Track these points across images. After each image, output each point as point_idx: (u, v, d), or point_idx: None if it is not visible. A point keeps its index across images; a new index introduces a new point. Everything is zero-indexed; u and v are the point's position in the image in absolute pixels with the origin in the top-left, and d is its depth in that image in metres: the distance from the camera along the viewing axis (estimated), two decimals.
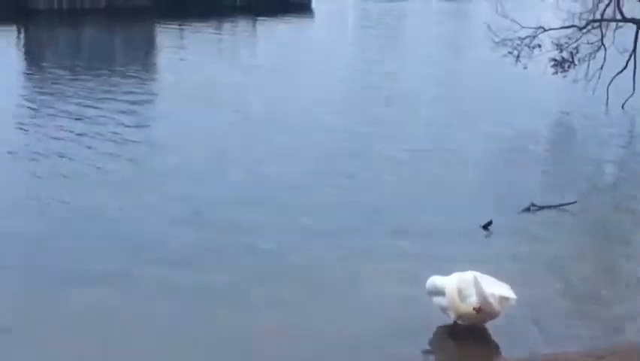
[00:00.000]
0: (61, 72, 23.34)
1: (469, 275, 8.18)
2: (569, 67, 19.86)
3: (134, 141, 15.58)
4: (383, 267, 9.88)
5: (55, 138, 15.74)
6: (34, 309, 8.71)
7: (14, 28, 32.24)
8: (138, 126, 17.13)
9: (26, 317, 8.51)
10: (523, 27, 19.71)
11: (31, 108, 18.77)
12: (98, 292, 9.02)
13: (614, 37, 19.86)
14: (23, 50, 29.73)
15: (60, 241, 10.66)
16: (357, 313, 8.73)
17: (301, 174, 13.61)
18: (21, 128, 16.70)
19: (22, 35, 31.97)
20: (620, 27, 20.26)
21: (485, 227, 11.29)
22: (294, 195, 12.49)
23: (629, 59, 19.61)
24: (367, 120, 17.62)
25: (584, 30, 19.80)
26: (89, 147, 15.08)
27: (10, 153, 14.78)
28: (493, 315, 8.15)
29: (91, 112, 18.07)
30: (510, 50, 19.64)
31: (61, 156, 14.50)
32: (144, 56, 27.62)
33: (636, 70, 19.56)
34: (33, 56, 27.93)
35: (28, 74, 24.33)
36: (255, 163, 14.14)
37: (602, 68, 19.26)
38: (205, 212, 11.68)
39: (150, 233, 10.91)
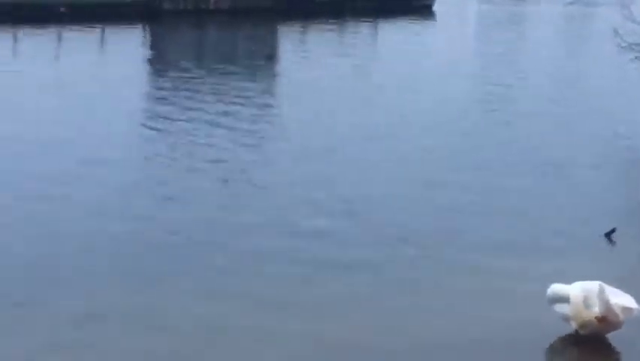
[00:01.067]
0: (185, 70, 23.78)
1: (594, 284, 8.07)
2: None
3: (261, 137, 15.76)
4: (504, 272, 9.80)
5: (187, 133, 16.10)
6: None
7: (141, 27, 32.97)
8: (261, 122, 17.28)
9: None
10: None
11: (157, 105, 19.19)
12: None
13: None
14: (149, 48, 30.38)
15: None
16: (475, 322, 8.68)
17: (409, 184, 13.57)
18: (147, 127, 17.06)
19: (148, 34, 32.71)
20: None
21: (608, 235, 11.05)
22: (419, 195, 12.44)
23: None
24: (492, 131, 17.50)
25: None
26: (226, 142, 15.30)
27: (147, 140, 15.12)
28: (615, 325, 8.01)
29: (214, 107, 18.37)
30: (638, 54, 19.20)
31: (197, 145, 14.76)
32: (266, 55, 27.87)
33: None
34: (159, 54, 28.56)
35: (153, 71, 24.86)
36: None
37: None
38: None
39: None
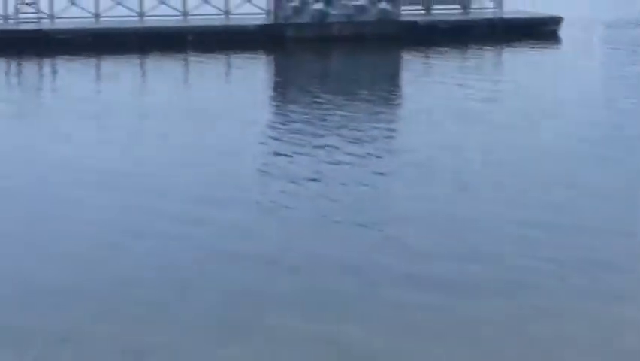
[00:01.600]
0: (309, 97, 23.95)
1: None
2: None
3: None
4: None
5: (313, 159, 16.10)
6: None
7: (264, 54, 33.43)
8: (389, 151, 17.20)
9: None
10: None
11: (283, 132, 19.31)
12: None
13: None
14: (273, 75, 30.80)
15: None
16: None
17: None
18: (278, 153, 17.17)
19: (272, 61, 33.15)
20: None
21: None
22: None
23: None
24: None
25: None
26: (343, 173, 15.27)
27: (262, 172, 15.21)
28: None
29: (341, 134, 18.37)
30: None
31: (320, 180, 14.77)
32: (391, 82, 27.90)
33: None
34: (283, 81, 28.94)
35: (277, 98, 25.13)
36: None
37: None
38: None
39: None
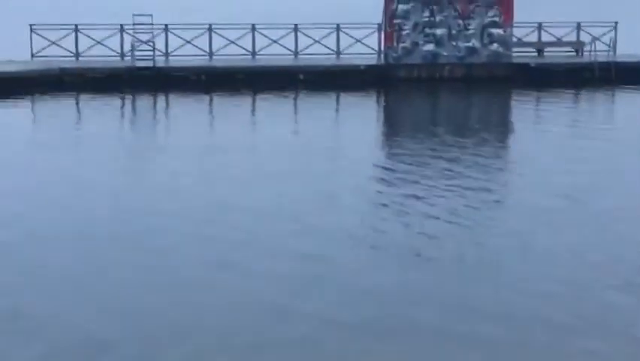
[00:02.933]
0: (416, 138, 23.93)
1: None
2: None
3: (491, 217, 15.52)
4: None
5: (421, 200, 16.04)
6: None
7: (375, 94, 33.60)
8: (495, 200, 17.05)
9: None
10: None
11: (390, 174, 19.30)
12: None
13: None
14: (383, 114, 30.93)
15: None
16: None
17: None
18: (380, 192, 17.16)
19: (382, 101, 33.29)
20: None
21: None
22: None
23: None
24: None
25: None
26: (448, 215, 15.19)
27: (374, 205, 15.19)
28: None
29: (446, 181, 18.28)
30: None
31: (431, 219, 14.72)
32: (500, 125, 27.76)
33: None
34: (393, 121, 29.05)
35: (387, 138, 25.18)
36: None
37: None
38: None
39: None
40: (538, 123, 27.01)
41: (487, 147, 22.52)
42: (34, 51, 34.36)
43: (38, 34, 34.69)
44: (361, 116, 28.41)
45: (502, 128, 26.71)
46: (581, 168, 19.79)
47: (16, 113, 28.56)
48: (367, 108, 30.77)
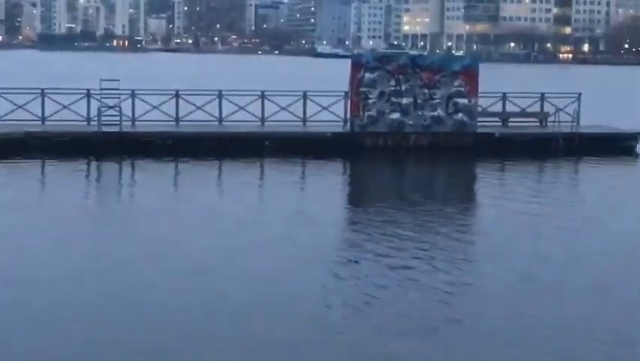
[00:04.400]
0: (384, 206, 24.01)
1: None
2: None
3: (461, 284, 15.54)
4: None
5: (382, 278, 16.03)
6: None
7: (341, 162, 33.70)
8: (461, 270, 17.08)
9: None
10: None
11: (354, 244, 19.29)
12: None
13: None
14: (349, 183, 31.04)
15: None
16: None
17: None
18: (349, 261, 17.13)
19: (348, 169, 33.39)
20: None
21: None
22: None
23: None
24: None
25: None
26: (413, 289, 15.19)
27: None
28: None
29: (409, 248, 18.30)
30: None
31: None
32: (464, 194, 27.92)
33: None
34: (358, 189, 29.17)
35: (352, 207, 25.22)
36: None
37: None
38: None
39: None
40: (500, 197, 27.08)
41: (446, 219, 22.59)
42: (0, 115, 34.22)
43: (4, 98, 34.58)
44: (326, 184, 28.45)
45: (463, 200, 26.78)
46: (543, 243, 19.90)
47: None
48: (333, 176, 30.82)
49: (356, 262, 17.48)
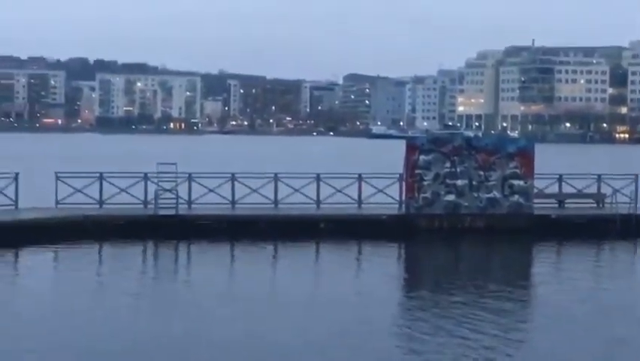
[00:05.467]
0: (436, 287, 23.87)
1: None
2: None
3: None
4: None
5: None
6: None
7: (396, 244, 33.62)
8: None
9: None
10: None
11: (409, 325, 19.15)
12: None
13: None
14: (404, 265, 30.94)
15: None
16: None
17: None
18: (399, 347, 17.00)
19: (403, 251, 33.30)
20: None
21: None
22: None
23: None
24: None
25: None
26: None
27: None
28: None
29: (465, 332, 18.12)
30: None
31: None
32: (522, 277, 27.66)
33: None
34: (414, 271, 29.05)
35: (406, 287, 25.08)
36: None
37: None
38: None
39: None
40: (559, 279, 26.78)
41: (509, 303, 22.33)
42: (59, 198, 34.70)
43: (63, 182, 35.10)
44: (383, 267, 28.33)
45: (520, 283, 26.43)
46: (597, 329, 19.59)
47: (39, 261, 28.67)
48: (389, 259, 30.72)
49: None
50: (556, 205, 38.68)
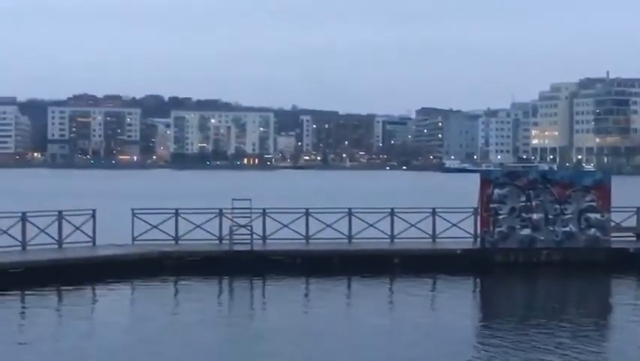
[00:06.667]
0: (512, 322, 23.62)
1: None
2: None
3: None
4: None
5: None
6: None
7: (472, 279, 33.37)
8: None
9: None
10: None
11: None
12: None
13: None
14: (480, 300, 30.68)
15: None
16: None
17: None
18: None
19: (478, 286, 33.03)
20: None
21: None
22: None
23: None
24: None
25: None
26: None
27: None
28: None
29: None
30: None
31: None
32: (597, 313, 27.21)
33: None
34: (489, 306, 28.77)
35: (482, 324, 24.84)
36: None
37: None
38: None
39: None
40: (636, 315, 26.30)
41: (587, 340, 21.97)
42: (135, 235, 35.12)
43: (139, 218, 35.53)
44: (459, 303, 28.08)
45: (605, 321, 25.93)
46: None
47: (116, 298, 28.98)
48: (463, 294, 30.46)
49: None
50: (634, 239, 38.09)
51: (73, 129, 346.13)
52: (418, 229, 36.67)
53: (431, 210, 37.17)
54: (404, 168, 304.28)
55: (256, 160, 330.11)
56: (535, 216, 35.75)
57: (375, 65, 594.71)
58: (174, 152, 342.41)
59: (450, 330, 22.93)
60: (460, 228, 36.71)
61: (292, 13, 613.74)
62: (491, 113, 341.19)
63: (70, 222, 33.90)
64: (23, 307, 26.98)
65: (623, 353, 20.60)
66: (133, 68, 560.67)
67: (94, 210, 34.45)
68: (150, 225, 35.20)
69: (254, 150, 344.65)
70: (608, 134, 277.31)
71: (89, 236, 34.22)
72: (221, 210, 35.82)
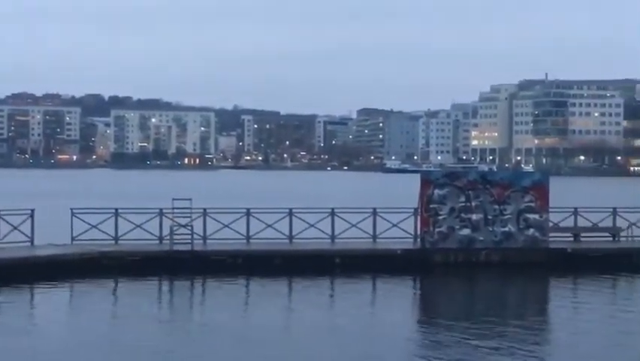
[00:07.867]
0: (451, 320, 23.82)
1: None
2: None
3: None
4: None
5: None
6: None
7: (411, 279, 33.58)
8: None
9: None
10: None
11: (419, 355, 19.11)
12: None
13: None
14: (419, 300, 30.88)
15: None
16: None
17: None
18: None
19: (418, 286, 33.25)
20: None
21: None
22: None
23: None
24: None
25: None
26: None
27: None
28: None
29: None
30: None
31: None
32: (538, 312, 27.54)
33: None
34: (428, 306, 28.97)
35: (421, 323, 25.01)
36: None
37: None
38: None
39: None
40: (577, 315, 26.64)
41: (523, 336, 22.25)
42: (75, 235, 34.78)
43: (79, 218, 35.20)
44: (398, 302, 28.29)
45: (541, 320, 26.21)
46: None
47: (54, 298, 28.72)
48: (404, 293, 30.68)
49: None
50: (572, 239, 38.58)
51: (12, 128, 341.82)
52: (359, 229, 36.80)
53: (372, 210, 37.32)
54: (345, 168, 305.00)
55: (197, 160, 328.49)
56: (474, 216, 36.04)
57: (317, 65, 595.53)
58: (114, 151, 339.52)
59: (389, 328, 23.05)
60: (400, 228, 36.90)
61: (238, 14, 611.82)
62: (432, 114, 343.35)
63: (7, 222, 33.47)
64: None
65: (559, 347, 20.88)
66: (72, 67, 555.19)
67: (32, 210, 34.05)
68: (90, 225, 34.90)
69: (195, 149, 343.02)
70: (546, 135, 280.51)
71: (27, 236, 33.79)
72: (161, 210, 35.61)
